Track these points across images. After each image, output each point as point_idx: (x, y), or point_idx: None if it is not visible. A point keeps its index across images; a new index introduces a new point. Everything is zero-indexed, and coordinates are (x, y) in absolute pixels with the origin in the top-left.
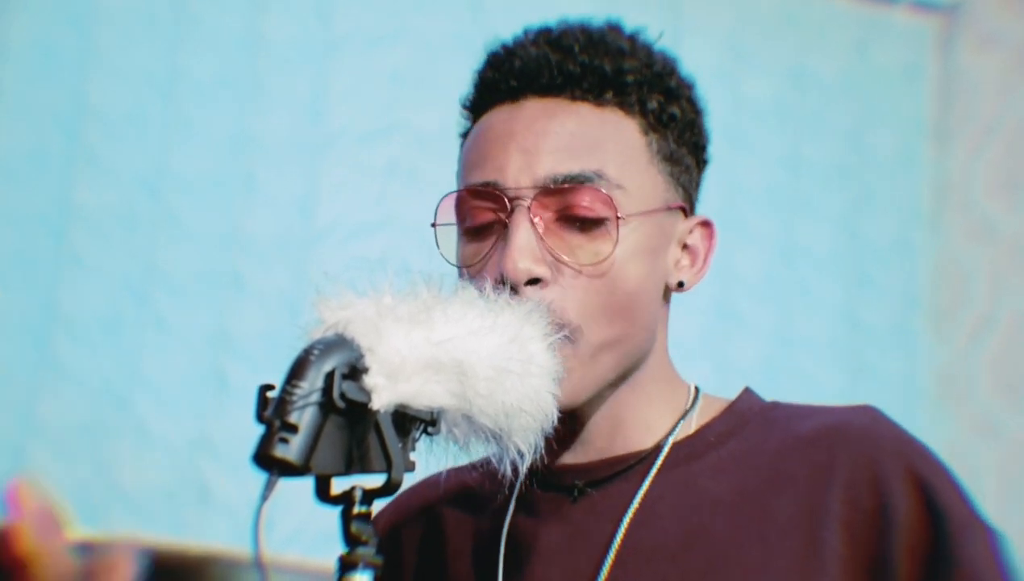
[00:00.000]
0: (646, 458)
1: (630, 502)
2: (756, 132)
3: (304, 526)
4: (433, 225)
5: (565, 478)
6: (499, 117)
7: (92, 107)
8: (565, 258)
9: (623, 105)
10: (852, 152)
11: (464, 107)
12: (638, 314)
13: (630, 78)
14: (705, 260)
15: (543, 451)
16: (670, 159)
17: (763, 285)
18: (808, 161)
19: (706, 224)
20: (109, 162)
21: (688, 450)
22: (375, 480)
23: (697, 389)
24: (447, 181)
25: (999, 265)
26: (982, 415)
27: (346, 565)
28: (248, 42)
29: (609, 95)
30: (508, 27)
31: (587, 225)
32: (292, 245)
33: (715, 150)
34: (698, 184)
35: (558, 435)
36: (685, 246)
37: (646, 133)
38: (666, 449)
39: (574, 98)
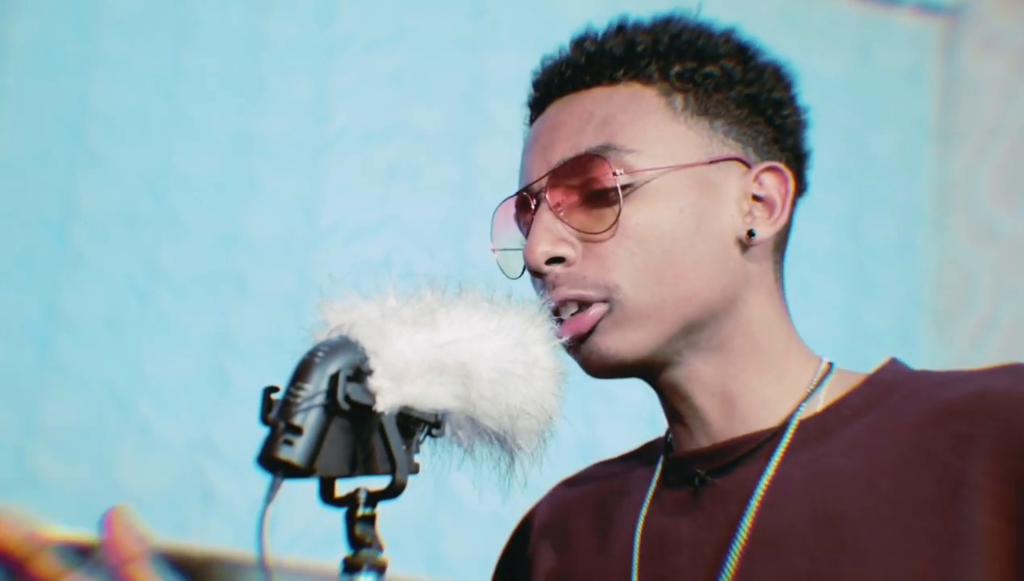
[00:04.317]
0: (769, 440)
1: (755, 486)
2: None
3: (308, 528)
4: (492, 249)
5: (688, 467)
6: (530, 131)
7: (95, 108)
8: (587, 231)
9: (639, 77)
10: (855, 154)
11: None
12: (694, 271)
13: (641, 49)
14: (782, 207)
15: (672, 441)
16: (707, 114)
17: None
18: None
19: (773, 170)
20: (112, 163)
21: (818, 427)
22: (380, 482)
23: (831, 364)
24: (449, 182)
25: (1002, 267)
26: None
27: (350, 567)
28: (250, 43)
29: (621, 72)
30: (510, 29)
31: (600, 196)
32: (294, 246)
33: None
34: (776, 138)
35: (678, 421)
36: (757, 198)
37: (668, 95)
38: (792, 428)
39: (588, 86)
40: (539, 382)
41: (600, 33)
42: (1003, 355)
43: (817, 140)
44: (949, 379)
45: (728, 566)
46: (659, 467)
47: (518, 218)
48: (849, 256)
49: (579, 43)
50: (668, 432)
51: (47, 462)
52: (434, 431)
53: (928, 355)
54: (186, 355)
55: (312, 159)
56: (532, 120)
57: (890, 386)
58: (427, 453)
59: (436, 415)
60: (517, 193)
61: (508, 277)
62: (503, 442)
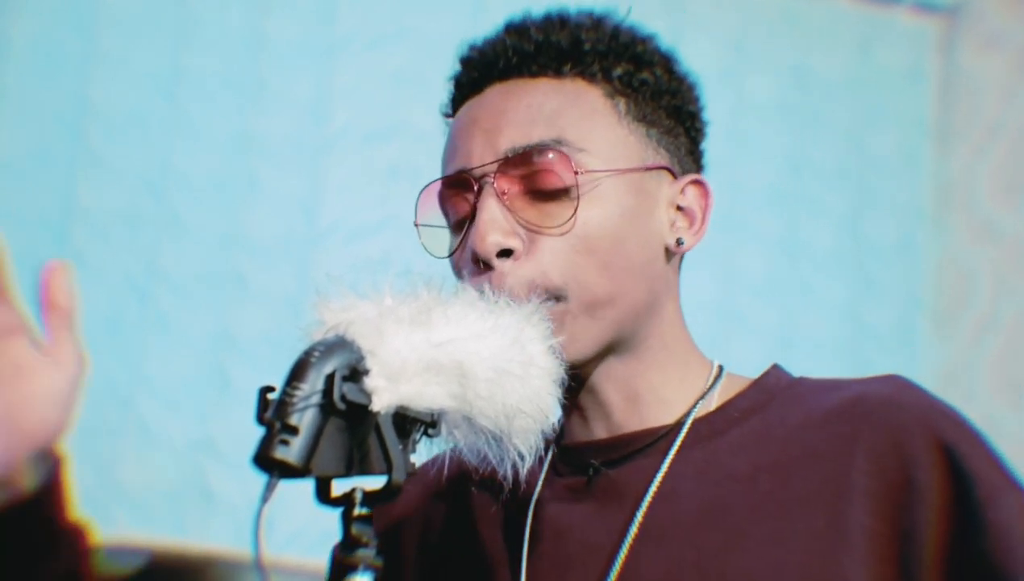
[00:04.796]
0: (665, 436)
1: (650, 481)
2: (759, 131)
3: (304, 528)
4: (416, 224)
5: (582, 456)
6: (465, 110)
7: (95, 107)
8: (536, 225)
9: (584, 74)
10: (855, 152)
11: (444, 115)
12: (628, 273)
13: (587, 47)
14: (703, 220)
15: (563, 429)
16: (644, 121)
17: (765, 285)
18: (811, 161)
19: (698, 183)
20: (112, 162)
21: (710, 427)
22: (376, 482)
23: (721, 367)
24: None
25: (1002, 266)
26: (984, 415)
27: (346, 567)
28: (251, 42)
29: (568, 67)
30: None
31: (553, 191)
32: (295, 245)
33: (718, 149)
34: (691, 150)
35: (576, 411)
36: (680, 208)
37: (612, 97)
38: (687, 426)
39: (533, 75)
40: (536, 381)
41: (542, 23)
42: (1003, 354)
43: (817, 140)
44: (828, 386)
45: (619, 556)
46: (551, 453)
47: (447, 198)
48: (849, 256)
49: (522, 30)
50: (559, 419)
51: None
52: (430, 431)
53: (928, 355)
54: (186, 355)
55: (312, 159)
56: (458, 99)
57: (772, 391)
58: (423, 453)
59: (432, 415)
60: (455, 173)
61: (433, 255)
62: (499, 441)
